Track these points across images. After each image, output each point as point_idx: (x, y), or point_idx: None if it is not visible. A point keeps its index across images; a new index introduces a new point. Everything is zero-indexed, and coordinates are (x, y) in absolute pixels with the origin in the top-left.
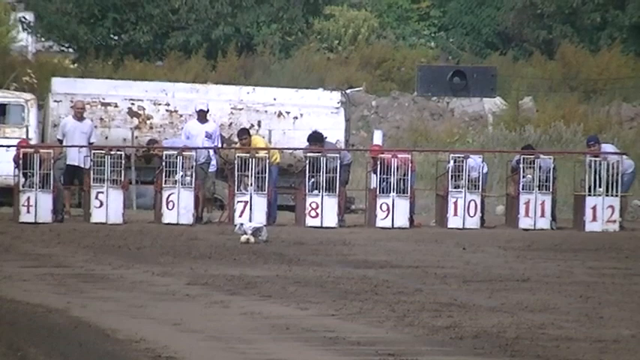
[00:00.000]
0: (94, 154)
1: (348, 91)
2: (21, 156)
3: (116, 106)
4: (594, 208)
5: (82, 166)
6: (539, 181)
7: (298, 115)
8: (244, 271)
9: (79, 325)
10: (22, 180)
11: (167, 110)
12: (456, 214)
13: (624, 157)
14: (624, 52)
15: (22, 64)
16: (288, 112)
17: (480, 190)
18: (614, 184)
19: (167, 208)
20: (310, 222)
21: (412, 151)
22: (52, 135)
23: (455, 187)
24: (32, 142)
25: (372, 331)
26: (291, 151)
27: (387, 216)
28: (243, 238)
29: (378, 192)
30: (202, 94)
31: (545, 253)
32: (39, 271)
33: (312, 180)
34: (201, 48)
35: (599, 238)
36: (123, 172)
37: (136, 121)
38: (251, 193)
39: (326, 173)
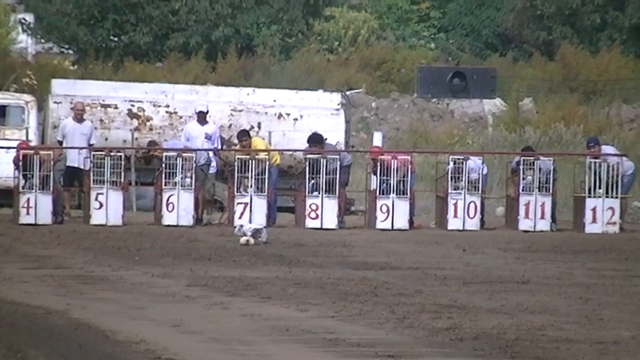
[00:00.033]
0: (93, 155)
1: (348, 92)
2: (21, 157)
3: (116, 107)
4: (594, 210)
5: (82, 167)
6: (539, 182)
7: (298, 116)
8: (244, 273)
9: (79, 327)
10: (22, 181)
11: (167, 112)
12: (455, 216)
13: (624, 158)
14: (624, 54)
15: (22, 65)
16: (288, 114)
17: (480, 191)
18: (614, 185)
19: (167, 209)
20: (310, 223)
21: (412, 152)
22: (51, 136)
23: (455, 189)
24: (32, 144)
25: (372, 333)
26: (291, 152)
27: (386, 217)
28: (243, 239)
29: (377, 193)
30: (202, 96)
31: (545, 254)
32: (39, 273)
33: (312, 181)
34: (201, 49)
35: (599, 239)
36: (123, 173)
37: (135, 122)
38: (251, 195)
39: (326, 175)
